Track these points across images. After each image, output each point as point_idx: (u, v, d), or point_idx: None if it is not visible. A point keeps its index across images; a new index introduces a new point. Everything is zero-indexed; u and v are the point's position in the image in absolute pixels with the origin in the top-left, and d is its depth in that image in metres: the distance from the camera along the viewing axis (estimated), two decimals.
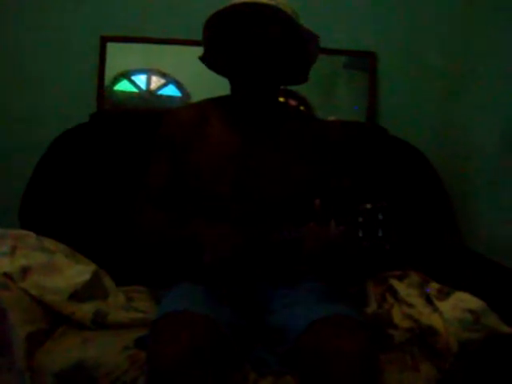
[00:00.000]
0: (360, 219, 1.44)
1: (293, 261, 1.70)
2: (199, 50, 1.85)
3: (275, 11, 1.66)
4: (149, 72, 2.68)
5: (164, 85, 2.68)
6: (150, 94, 2.68)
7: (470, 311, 1.71)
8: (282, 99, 2.44)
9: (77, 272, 1.86)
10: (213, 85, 2.07)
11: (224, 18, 1.72)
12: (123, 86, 2.66)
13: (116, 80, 2.64)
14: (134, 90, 2.67)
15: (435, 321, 1.72)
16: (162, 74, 2.68)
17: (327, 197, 1.58)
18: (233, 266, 1.63)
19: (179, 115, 1.84)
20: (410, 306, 1.85)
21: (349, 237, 1.48)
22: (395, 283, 2.01)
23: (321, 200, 1.51)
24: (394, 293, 1.97)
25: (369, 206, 1.44)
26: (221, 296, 1.65)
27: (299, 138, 1.81)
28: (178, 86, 2.67)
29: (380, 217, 1.42)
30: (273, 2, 1.66)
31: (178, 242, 1.69)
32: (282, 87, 1.89)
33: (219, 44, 1.79)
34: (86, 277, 1.85)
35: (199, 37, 1.80)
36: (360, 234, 1.43)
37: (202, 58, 1.84)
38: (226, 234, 1.62)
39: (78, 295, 1.78)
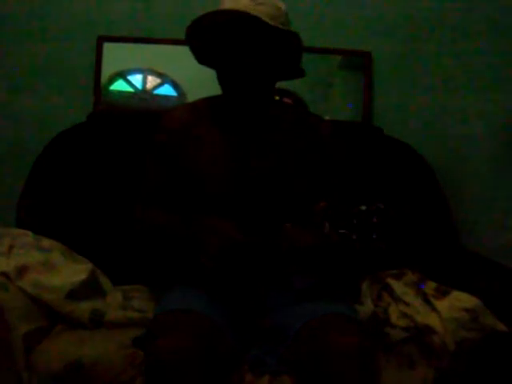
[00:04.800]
0: (354, 221, 1.43)
1: (282, 261, 1.71)
2: None
3: (249, 17, 1.64)
4: (145, 72, 2.68)
5: (160, 84, 2.68)
6: (145, 94, 2.68)
7: (467, 310, 1.72)
8: (277, 98, 2.44)
9: (74, 271, 1.86)
10: (209, 84, 2.07)
11: (204, 24, 1.72)
12: (119, 85, 2.66)
13: (112, 80, 2.64)
14: (130, 89, 2.67)
15: (432, 320, 1.73)
16: (158, 74, 2.68)
17: (322, 198, 1.58)
18: (232, 266, 1.64)
19: (175, 115, 1.84)
20: (407, 304, 1.85)
21: (330, 240, 1.48)
22: (391, 282, 2.02)
23: (326, 203, 1.50)
24: (391, 291, 1.97)
25: (363, 208, 1.42)
26: (218, 296, 1.66)
27: (295, 136, 1.81)
28: (174, 85, 2.67)
29: (375, 219, 1.41)
30: (252, 4, 1.64)
31: (176, 241, 1.69)
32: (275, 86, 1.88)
33: (202, 48, 1.80)
34: (83, 276, 1.85)
35: None
36: (354, 237, 1.42)
37: (199, 60, 1.85)
38: (226, 233, 1.62)
39: (75, 294, 1.78)
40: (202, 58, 1.85)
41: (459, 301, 1.77)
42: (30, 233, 1.96)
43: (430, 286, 1.92)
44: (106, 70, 2.60)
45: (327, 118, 2.52)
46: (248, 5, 1.65)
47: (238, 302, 1.69)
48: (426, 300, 1.85)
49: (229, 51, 1.69)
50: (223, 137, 1.77)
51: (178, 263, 1.77)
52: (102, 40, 2.58)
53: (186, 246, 1.66)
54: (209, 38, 1.74)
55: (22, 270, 1.77)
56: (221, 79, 1.77)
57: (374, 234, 1.40)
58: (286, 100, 2.55)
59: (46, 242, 1.95)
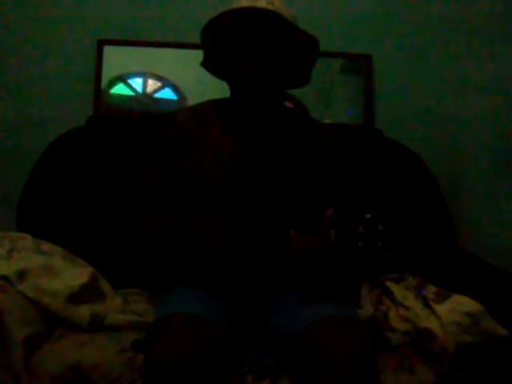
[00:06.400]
0: (360, 229, 1.43)
1: (285, 266, 1.71)
2: (195, 53, 1.86)
3: (273, 16, 1.67)
4: (145, 75, 2.68)
5: (160, 88, 2.68)
6: (146, 97, 2.68)
7: (468, 314, 1.71)
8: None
9: (74, 275, 1.86)
10: (209, 88, 2.07)
11: (223, 22, 1.73)
12: (119, 89, 2.66)
13: (112, 83, 2.64)
14: (130, 93, 2.67)
15: (432, 324, 1.73)
16: (159, 77, 2.68)
17: (327, 203, 1.58)
18: (234, 264, 1.63)
19: (178, 117, 1.84)
20: (407, 308, 1.85)
21: (337, 246, 1.48)
22: (391, 286, 2.01)
23: (334, 210, 1.51)
24: (391, 295, 1.97)
25: (368, 215, 1.42)
26: (219, 297, 1.66)
27: (298, 140, 1.81)
28: (175, 89, 2.67)
29: (380, 227, 1.41)
30: (271, 7, 1.67)
31: (175, 242, 1.69)
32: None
33: (218, 47, 1.79)
34: (84, 279, 1.85)
35: (195, 40, 1.80)
36: (360, 244, 1.42)
37: (203, 63, 1.84)
38: (227, 232, 1.61)
39: (76, 298, 1.78)
40: (214, 61, 1.85)
41: (460, 305, 1.77)
42: (29, 236, 1.96)
43: (430, 290, 1.92)
44: (106, 74, 2.60)
45: (328, 121, 2.53)
46: (265, 7, 1.66)
47: (239, 304, 1.68)
48: (427, 304, 1.85)
49: (248, 49, 1.69)
50: (226, 139, 1.77)
51: (178, 262, 1.76)
52: (102, 43, 2.58)
53: (189, 245, 1.65)
54: (227, 35, 1.73)
55: (22, 274, 1.78)
56: (233, 81, 1.78)
57: (379, 241, 1.40)
58: (287, 104, 2.54)
59: (46, 246, 1.95)
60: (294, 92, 2.44)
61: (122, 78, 2.65)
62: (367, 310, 1.87)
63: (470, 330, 1.68)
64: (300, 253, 1.56)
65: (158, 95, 2.68)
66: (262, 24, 1.68)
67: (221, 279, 1.68)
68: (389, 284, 2.02)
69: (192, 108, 1.91)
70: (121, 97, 2.66)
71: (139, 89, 2.67)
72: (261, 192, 1.72)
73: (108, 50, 2.59)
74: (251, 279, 1.69)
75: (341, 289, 1.78)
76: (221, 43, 1.77)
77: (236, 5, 1.70)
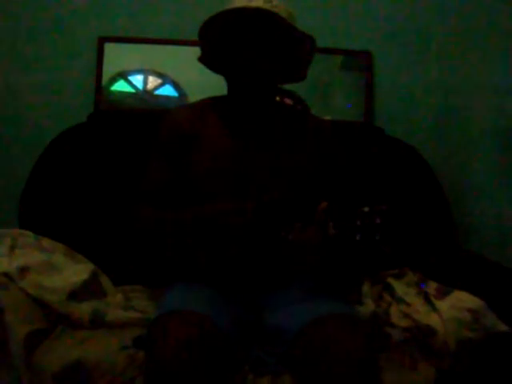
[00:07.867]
0: (358, 222, 1.43)
1: (286, 261, 1.71)
2: (196, 50, 1.85)
3: (270, 15, 1.67)
4: (145, 72, 2.68)
5: (161, 85, 2.68)
6: (146, 94, 2.68)
7: (469, 310, 1.71)
8: (277, 98, 2.44)
9: (75, 271, 1.86)
10: (210, 85, 2.07)
11: (220, 22, 1.73)
12: (120, 86, 2.66)
13: (113, 80, 2.64)
14: (131, 90, 2.67)
15: (433, 320, 1.73)
16: (159, 74, 2.68)
17: (326, 198, 1.58)
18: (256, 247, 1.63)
19: (178, 115, 1.84)
20: (408, 304, 1.85)
21: (336, 241, 1.48)
22: (392, 282, 2.02)
23: (328, 204, 1.51)
24: (392, 292, 1.97)
25: (367, 209, 1.42)
26: (220, 296, 1.66)
27: (296, 136, 1.82)
28: (175, 86, 2.67)
29: (378, 220, 1.41)
30: (268, 6, 1.67)
31: (179, 236, 1.68)
32: (278, 86, 1.89)
33: (216, 46, 1.80)
34: (85, 276, 1.85)
35: (196, 37, 1.80)
36: (358, 238, 1.42)
37: (201, 58, 1.85)
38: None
39: (77, 295, 1.78)
40: (212, 59, 1.85)
41: (461, 301, 1.77)
42: (30, 233, 1.96)
43: (431, 286, 1.92)
44: (107, 71, 2.61)
45: (328, 117, 2.52)
46: (263, 6, 1.66)
47: (240, 300, 1.69)
48: (428, 300, 1.85)
49: (245, 48, 1.69)
50: (225, 136, 1.78)
51: (181, 257, 1.75)
52: (102, 40, 2.59)
53: (203, 234, 1.64)
54: (224, 34, 1.74)
55: (23, 271, 1.77)
56: (230, 78, 1.79)
57: (377, 235, 1.40)
58: (287, 101, 2.54)
59: (48, 243, 1.95)
60: (295, 89, 2.44)
61: (123, 75, 2.65)
62: (368, 306, 1.87)
63: (471, 326, 1.68)
64: (300, 246, 1.56)
65: (158, 92, 2.68)
66: (258, 23, 1.69)
67: (229, 269, 1.68)
68: (390, 280, 2.02)
69: (192, 105, 1.92)
70: (121, 94, 2.66)
71: (140, 86, 2.67)
72: (260, 188, 1.72)
73: (109, 47, 2.60)
74: (254, 273, 1.69)
75: (340, 282, 1.78)
76: (218, 41, 1.77)
77: (234, 4, 1.70)
